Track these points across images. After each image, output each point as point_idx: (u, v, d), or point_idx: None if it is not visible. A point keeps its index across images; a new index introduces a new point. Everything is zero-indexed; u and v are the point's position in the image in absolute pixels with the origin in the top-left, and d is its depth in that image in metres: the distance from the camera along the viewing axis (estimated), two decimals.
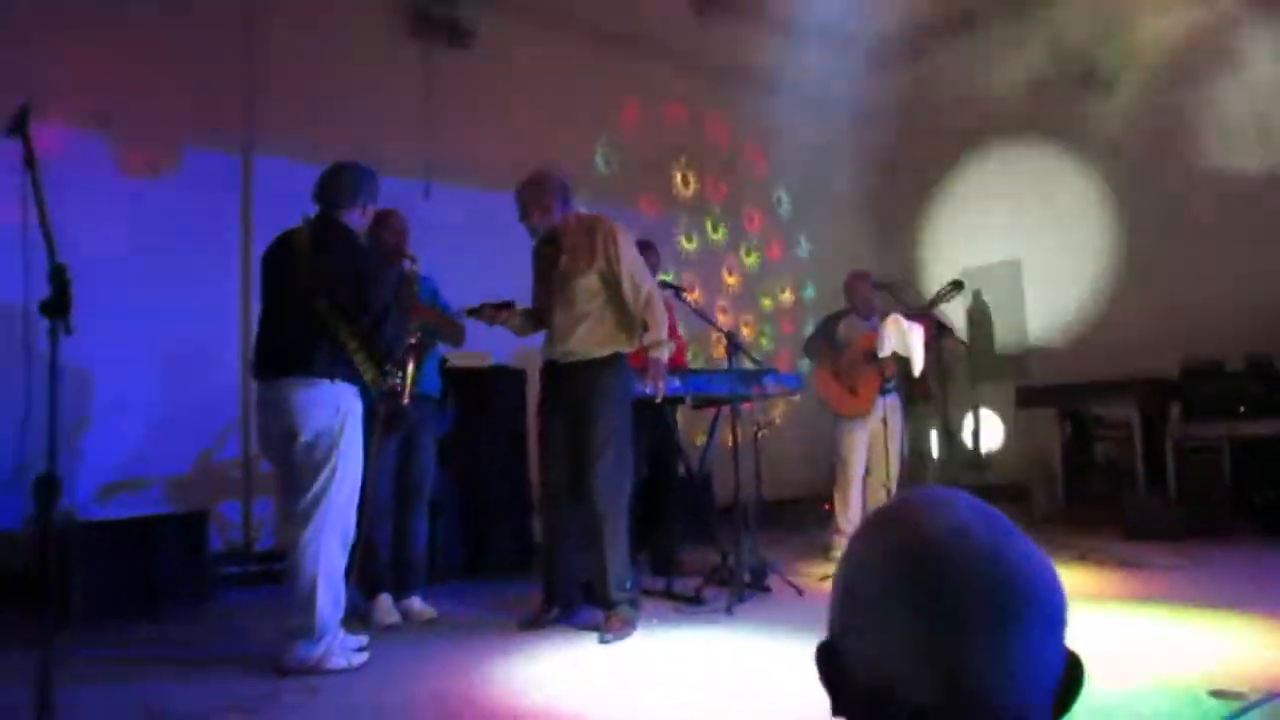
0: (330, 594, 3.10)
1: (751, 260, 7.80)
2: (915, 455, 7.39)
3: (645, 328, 3.76)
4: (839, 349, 5.16)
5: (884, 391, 5.02)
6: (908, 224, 8.51)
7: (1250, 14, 6.19)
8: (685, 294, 4.53)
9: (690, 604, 4.10)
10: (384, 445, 3.89)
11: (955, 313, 7.59)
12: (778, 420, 7.22)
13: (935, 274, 7.73)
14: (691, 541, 5.10)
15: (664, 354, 3.78)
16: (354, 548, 3.92)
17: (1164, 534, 5.24)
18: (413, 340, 3.71)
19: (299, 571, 3.07)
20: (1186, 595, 3.86)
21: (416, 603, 4.04)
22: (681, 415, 6.03)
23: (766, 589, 4.31)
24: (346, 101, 5.65)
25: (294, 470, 3.12)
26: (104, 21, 4.98)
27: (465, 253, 5.25)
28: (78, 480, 4.85)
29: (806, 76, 7.78)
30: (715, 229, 7.56)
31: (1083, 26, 7.04)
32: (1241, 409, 5.70)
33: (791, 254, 8.06)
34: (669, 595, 4.28)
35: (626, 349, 3.76)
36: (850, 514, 5.22)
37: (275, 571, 4.88)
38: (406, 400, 3.73)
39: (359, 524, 3.93)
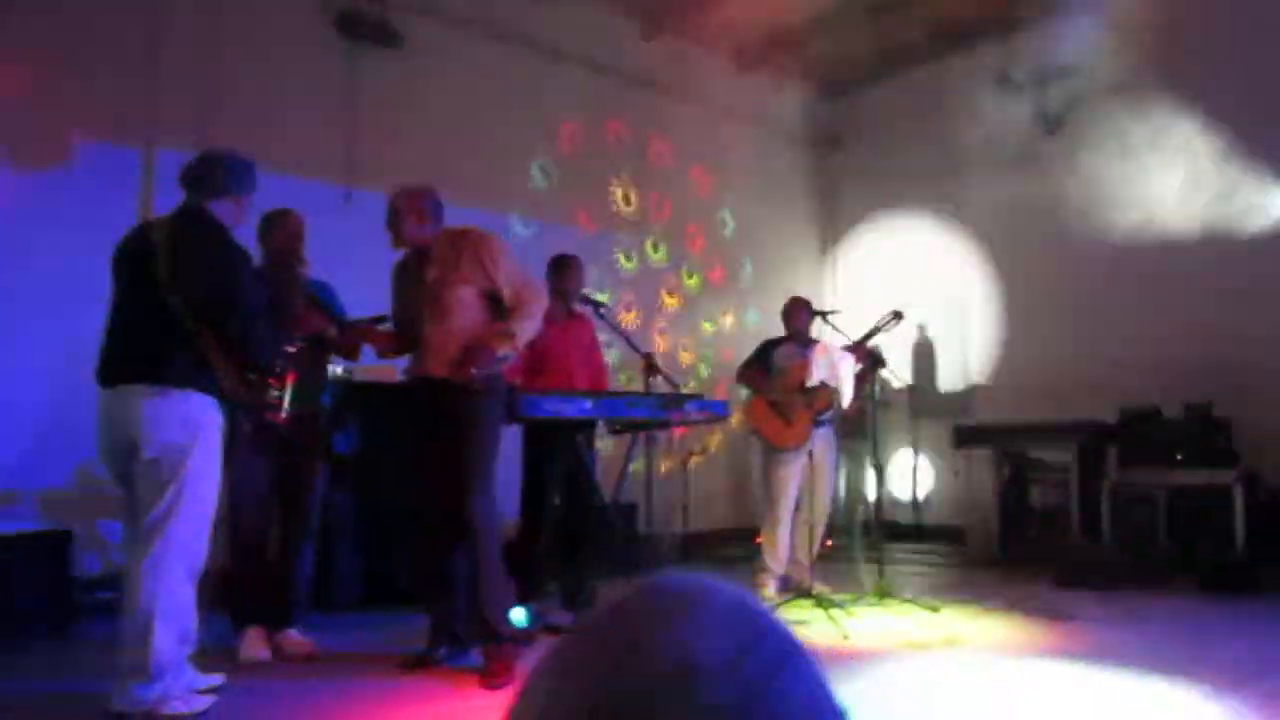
0: (170, 630, 2.75)
1: (693, 282, 7.57)
2: (851, 493, 7.20)
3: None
4: (774, 377, 4.94)
5: (817, 424, 4.80)
6: (854, 253, 8.38)
7: (1196, 63, 6.14)
8: (604, 309, 4.26)
9: None
10: (254, 464, 3.59)
11: (900, 348, 7.45)
12: (713, 449, 6.97)
13: (880, 306, 7.57)
14: (609, 574, 4.80)
15: (499, 345, 3.34)
16: (223, 575, 3.61)
17: (1098, 583, 5.06)
18: (292, 349, 3.39)
19: (134, 604, 2.72)
20: (1115, 653, 3.65)
21: (293, 636, 3.70)
22: (612, 443, 5.77)
23: None
24: (263, 97, 5.36)
25: (135, 489, 2.79)
26: None
27: (386, 262, 4.97)
28: None
29: (753, 102, 7.65)
30: (656, 249, 7.33)
31: (1032, 64, 6.98)
32: (1179, 456, 5.57)
33: (734, 277, 7.84)
34: None
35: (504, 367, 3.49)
36: (779, 553, 4.97)
37: None
38: (284, 415, 3.40)
39: (235, 550, 3.64)
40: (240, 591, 3.64)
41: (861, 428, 6.85)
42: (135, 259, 2.87)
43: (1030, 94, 7.04)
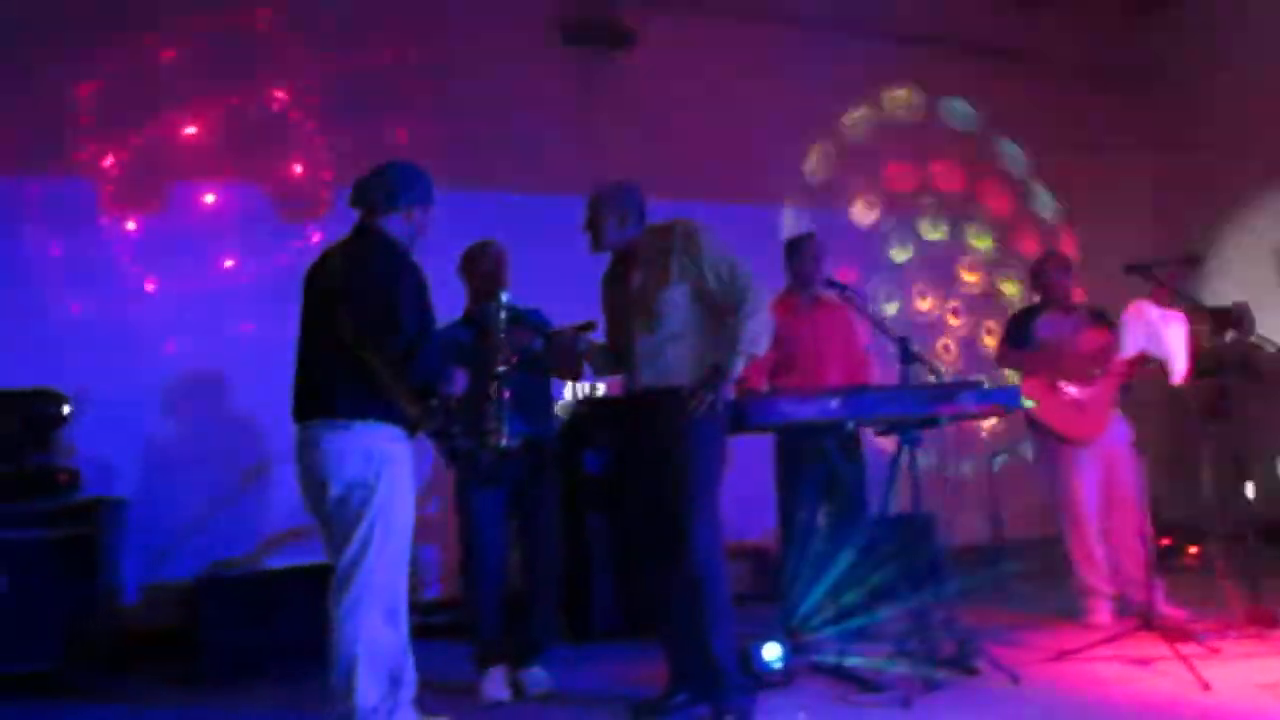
0: (373, 675, 2.60)
1: (984, 244, 6.60)
2: (1221, 493, 5.80)
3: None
4: (1043, 353, 4.07)
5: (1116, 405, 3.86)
6: (1204, 201, 6.80)
7: None
8: (849, 291, 3.66)
9: (862, 689, 3.19)
10: (485, 494, 3.45)
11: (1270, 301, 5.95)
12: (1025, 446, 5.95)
13: (1243, 254, 6.10)
14: (899, 596, 4.13)
15: (734, 364, 2.93)
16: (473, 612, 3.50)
17: None
18: (502, 368, 3.19)
19: (336, 650, 2.60)
20: None
21: (536, 675, 3.48)
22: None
23: (972, 670, 3.28)
24: (498, 119, 5.31)
25: (328, 528, 2.69)
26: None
27: None
28: (255, 527, 4.82)
29: (1045, 39, 6.54)
30: (951, 224, 6.47)
31: None
32: None
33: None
34: (839, 674, 3.38)
35: None
36: (1099, 568, 4.03)
37: (436, 625, 4.58)
38: (505, 441, 3.20)
39: (471, 585, 3.52)
40: (479, 628, 3.49)
41: (1224, 407, 5.52)
42: (311, 286, 2.79)
43: None
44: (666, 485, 2.95)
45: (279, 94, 5.02)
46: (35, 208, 4.56)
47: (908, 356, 3.30)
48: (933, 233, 6.43)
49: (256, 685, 3.76)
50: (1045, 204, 6.78)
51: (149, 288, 4.72)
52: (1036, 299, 4.38)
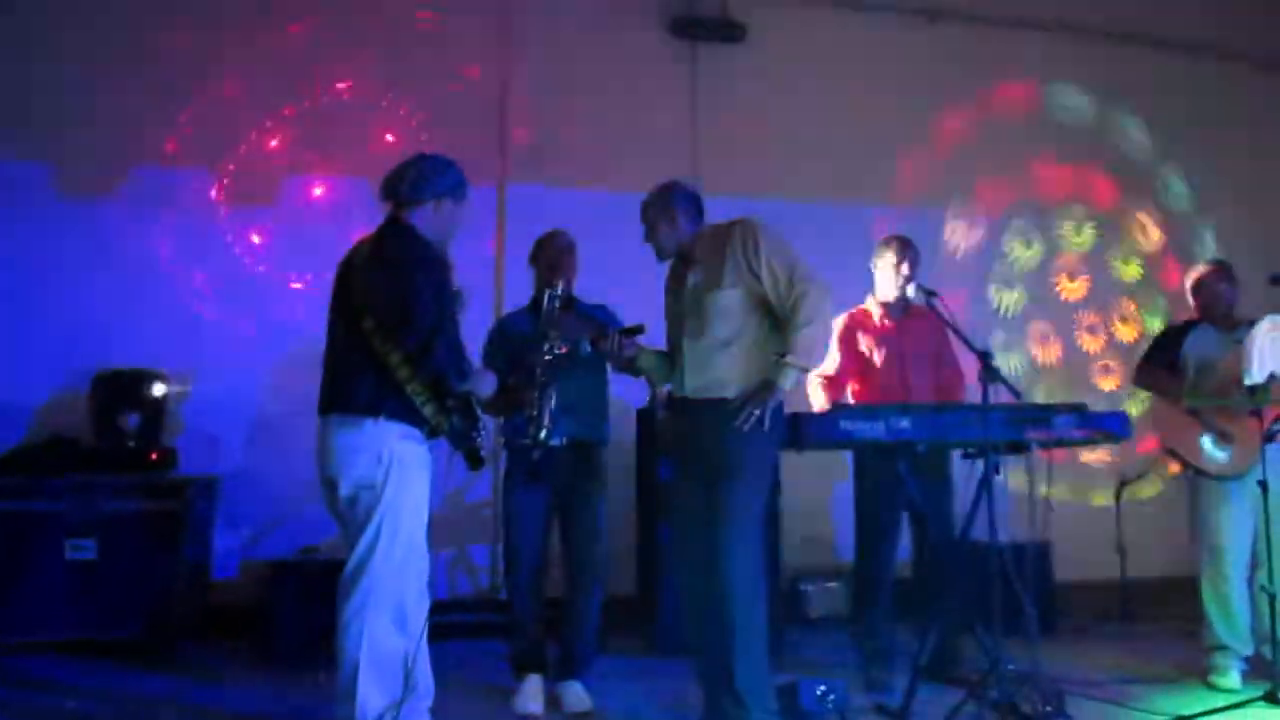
0: (378, 682, 2.51)
1: (1131, 270, 5.99)
2: None
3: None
4: (1191, 376, 3.55)
5: (1269, 438, 3.31)
6: None
7: None
8: (936, 299, 3.31)
9: None
10: (528, 496, 3.34)
11: None
12: (1157, 475, 5.33)
13: None
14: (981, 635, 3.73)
15: (784, 377, 2.71)
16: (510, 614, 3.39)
17: None
18: (547, 357, 3.07)
19: (341, 654, 2.53)
20: None
21: (574, 690, 3.32)
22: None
23: None
24: (605, 118, 5.22)
25: (342, 527, 2.63)
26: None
27: None
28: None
29: (1189, 20, 5.87)
30: (1077, 231, 5.92)
31: None
32: None
33: (1188, 255, 5.98)
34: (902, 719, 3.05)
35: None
36: (1235, 625, 3.52)
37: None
38: (543, 437, 3.07)
39: (509, 589, 3.42)
40: (516, 635, 3.39)
41: None
42: (339, 280, 2.74)
43: None
44: (705, 500, 2.74)
45: (403, 98, 5.08)
46: (153, 196, 4.73)
47: (990, 374, 2.92)
48: (1075, 237, 5.89)
49: (321, 669, 3.77)
50: (1178, 192, 6.12)
51: (262, 276, 4.86)
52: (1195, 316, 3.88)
